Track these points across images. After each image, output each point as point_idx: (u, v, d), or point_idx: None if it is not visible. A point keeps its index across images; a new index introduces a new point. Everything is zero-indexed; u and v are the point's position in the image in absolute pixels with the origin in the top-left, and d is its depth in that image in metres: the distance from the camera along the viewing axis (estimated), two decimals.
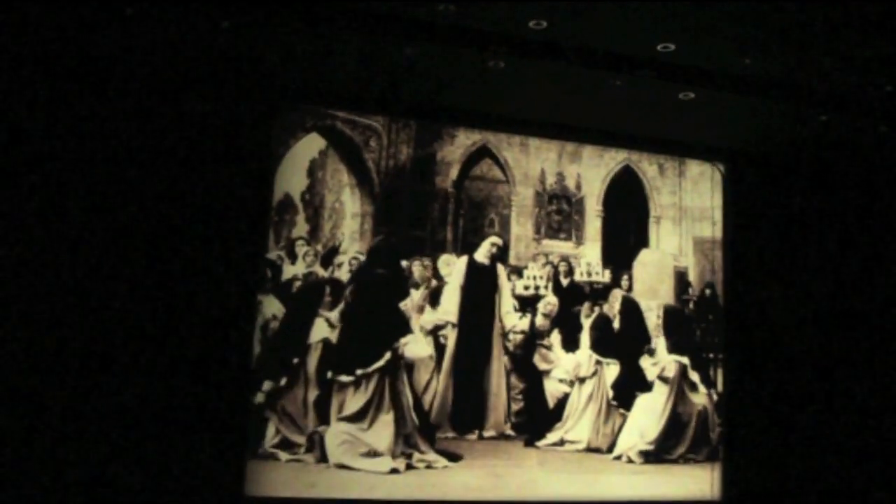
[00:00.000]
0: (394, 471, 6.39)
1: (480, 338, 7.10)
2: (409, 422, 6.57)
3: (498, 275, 7.23)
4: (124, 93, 6.16)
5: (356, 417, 6.43)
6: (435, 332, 6.96)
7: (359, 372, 6.47)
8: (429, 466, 6.54)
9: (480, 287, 7.15)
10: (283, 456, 6.32)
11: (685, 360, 7.29)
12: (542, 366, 7.18)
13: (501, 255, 7.27)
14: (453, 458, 6.66)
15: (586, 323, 7.35)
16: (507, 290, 7.22)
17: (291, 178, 6.90)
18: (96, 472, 5.77)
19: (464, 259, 7.17)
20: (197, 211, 6.26)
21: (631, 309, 7.41)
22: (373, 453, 6.39)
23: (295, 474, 6.29)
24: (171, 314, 6.10)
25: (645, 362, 7.27)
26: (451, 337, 7.01)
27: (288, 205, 6.86)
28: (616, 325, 7.36)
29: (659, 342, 7.33)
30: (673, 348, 7.31)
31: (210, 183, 6.31)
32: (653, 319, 7.43)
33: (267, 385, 6.41)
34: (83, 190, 6.03)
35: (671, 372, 7.25)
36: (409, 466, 6.48)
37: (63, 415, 5.77)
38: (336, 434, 6.39)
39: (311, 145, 7.01)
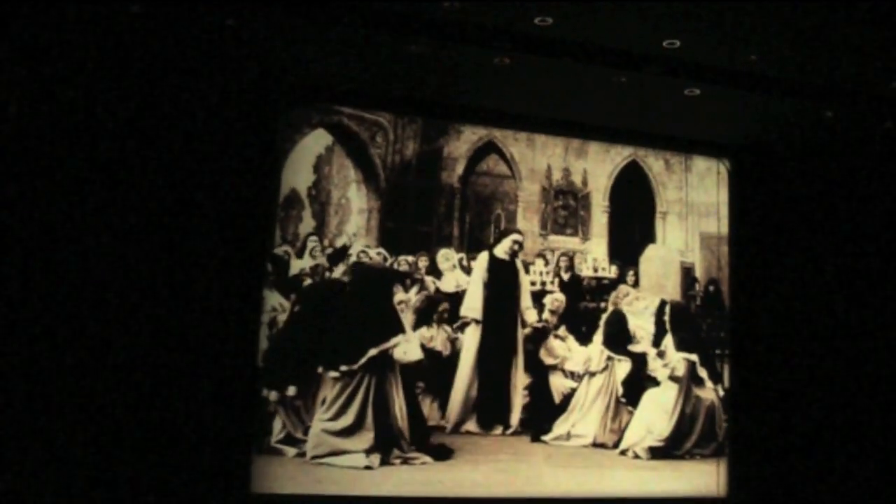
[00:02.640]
0: (368, 467, 6.37)
1: (503, 333, 7.12)
2: (395, 422, 6.53)
3: (518, 271, 7.24)
4: (130, 89, 6.17)
5: (333, 413, 6.41)
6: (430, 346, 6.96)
7: (343, 368, 6.46)
8: (405, 462, 6.51)
9: (501, 283, 7.16)
10: (289, 451, 6.35)
11: (694, 357, 7.29)
12: (547, 361, 7.19)
13: (519, 252, 7.29)
14: (443, 456, 6.65)
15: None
16: (527, 286, 7.24)
17: (298, 174, 6.91)
18: (103, 468, 5.80)
19: (484, 255, 7.18)
20: (204, 207, 6.27)
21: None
22: (346, 451, 6.37)
23: (301, 470, 6.30)
24: (177, 310, 6.11)
25: (655, 363, 7.27)
26: (474, 333, 7.03)
27: (294, 200, 6.87)
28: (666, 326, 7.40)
29: (667, 340, 7.33)
30: (680, 345, 7.30)
31: (217, 179, 6.32)
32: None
33: (291, 390, 6.43)
34: (89, 187, 6.04)
35: (681, 371, 7.25)
36: (386, 463, 6.45)
37: (70, 411, 5.79)
38: (315, 430, 6.40)
39: (317, 141, 7.02)
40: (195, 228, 6.23)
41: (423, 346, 6.82)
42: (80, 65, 6.04)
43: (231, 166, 6.37)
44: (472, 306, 7.06)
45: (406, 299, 6.84)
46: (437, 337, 6.96)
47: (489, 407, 6.98)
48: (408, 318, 6.80)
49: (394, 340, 6.58)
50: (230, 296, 6.26)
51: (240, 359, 6.25)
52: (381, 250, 6.91)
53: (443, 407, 6.90)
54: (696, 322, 7.53)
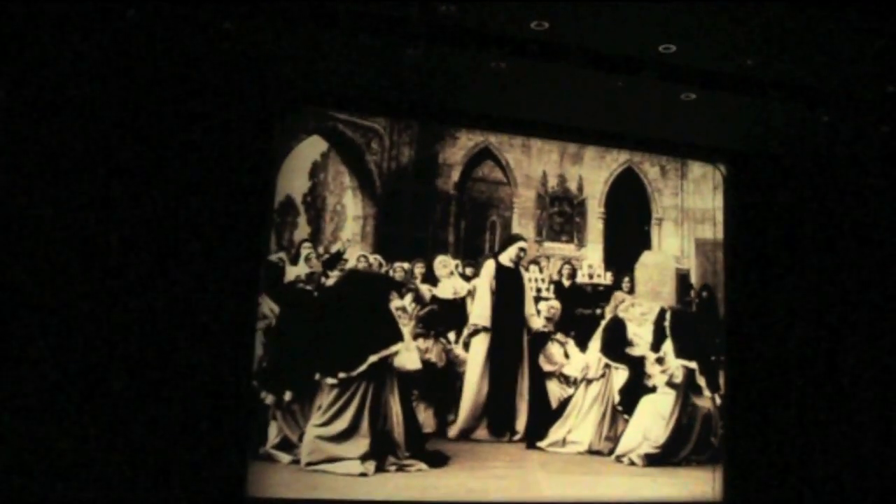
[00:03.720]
0: (363, 474, 6.33)
1: (510, 341, 7.13)
2: (391, 429, 6.50)
3: (522, 278, 7.26)
4: (126, 94, 6.16)
5: (328, 420, 6.37)
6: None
7: (341, 375, 6.42)
8: (400, 469, 6.47)
9: (507, 290, 7.18)
10: (284, 458, 6.31)
11: (693, 365, 7.26)
12: (546, 367, 7.18)
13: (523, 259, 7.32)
14: (438, 463, 6.61)
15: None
16: (530, 292, 7.25)
17: (293, 181, 6.90)
18: (98, 472, 5.77)
19: (491, 262, 7.20)
20: (199, 213, 6.26)
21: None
22: (341, 457, 6.33)
23: (296, 477, 6.26)
24: (172, 315, 6.09)
25: (653, 369, 7.24)
26: (483, 341, 7.04)
27: (290, 207, 6.86)
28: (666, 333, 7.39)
29: (666, 346, 7.30)
30: (680, 353, 7.28)
31: (212, 185, 6.31)
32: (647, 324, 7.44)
33: (288, 395, 6.40)
34: (84, 191, 6.03)
35: (679, 378, 7.23)
36: (381, 470, 6.41)
37: (65, 416, 5.76)
38: (310, 436, 6.35)
39: (312, 147, 7.02)
40: (190, 235, 6.21)
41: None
42: (76, 69, 6.03)
43: (226, 172, 6.36)
44: (482, 314, 7.08)
45: (403, 306, 6.82)
46: (432, 349, 6.94)
47: (499, 414, 6.99)
48: (407, 327, 6.77)
49: (393, 348, 6.56)
50: (226, 302, 6.23)
51: (235, 364, 6.22)
52: (377, 257, 6.89)
53: (438, 415, 6.89)
54: (696, 329, 7.50)
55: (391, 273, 6.89)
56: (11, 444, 5.64)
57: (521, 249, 7.27)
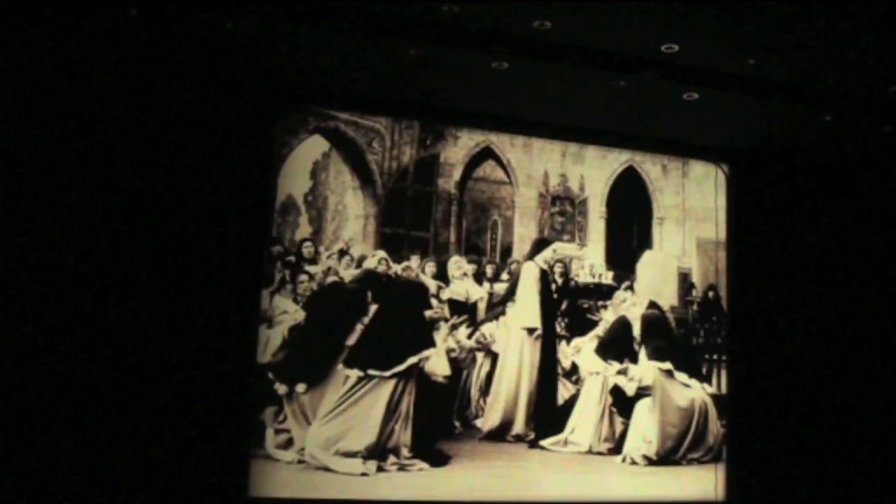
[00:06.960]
0: (364, 474, 6.32)
1: (547, 342, 7.17)
2: (400, 430, 6.49)
3: (550, 280, 7.30)
4: (127, 93, 6.16)
5: (334, 418, 6.37)
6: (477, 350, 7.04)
7: (372, 372, 6.42)
8: (401, 469, 6.46)
9: (545, 293, 7.24)
10: (286, 456, 6.30)
11: (666, 365, 7.22)
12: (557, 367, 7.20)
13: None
14: (440, 462, 6.59)
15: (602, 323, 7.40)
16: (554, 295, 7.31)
17: (294, 180, 6.89)
18: (99, 472, 5.77)
19: (532, 265, 7.24)
20: (199, 212, 6.26)
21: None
22: (344, 455, 6.32)
23: (297, 476, 6.26)
24: (174, 315, 6.09)
25: (621, 380, 7.20)
26: (530, 343, 7.09)
27: (291, 206, 6.86)
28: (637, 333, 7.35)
29: (639, 353, 7.27)
30: (652, 355, 7.24)
31: (212, 184, 6.31)
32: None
33: (301, 387, 6.41)
34: (84, 190, 6.03)
35: (650, 380, 7.19)
36: (381, 469, 6.40)
37: (66, 414, 5.77)
38: (314, 434, 6.35)
39: (314, 147, 7.01)
40: (190, 234, 6.21)
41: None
42: (76, 68, 6.03)
43: (227, 172, 6.36)
44: (531, 316, 7.12)
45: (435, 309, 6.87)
46: (458, 348, 6.97)
47: (540, 414, 7.05)
48: (438, 332, 6.84)
49: (426, 353, 6.60)
50: (228, 301, 6.23)
51: (237, 364, 6.22)
52: (383, 252, 6.89)
53: (448, 415, 6.90)
54: (669, 329, 7.46)
55: (394, 272, 6.88)
56: (11, 444, 5.65)
57: (556, 251, 7.33)
